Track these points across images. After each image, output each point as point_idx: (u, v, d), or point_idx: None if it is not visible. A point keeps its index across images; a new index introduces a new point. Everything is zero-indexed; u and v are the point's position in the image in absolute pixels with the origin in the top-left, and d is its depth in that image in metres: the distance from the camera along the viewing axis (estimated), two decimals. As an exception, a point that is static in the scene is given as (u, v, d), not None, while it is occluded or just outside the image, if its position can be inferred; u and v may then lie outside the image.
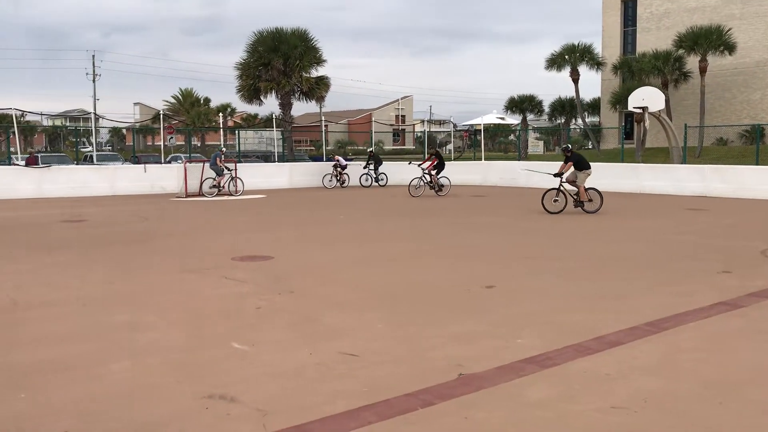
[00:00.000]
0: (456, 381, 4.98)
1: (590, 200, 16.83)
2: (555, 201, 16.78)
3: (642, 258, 10.44)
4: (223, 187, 23.46)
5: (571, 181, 16.80)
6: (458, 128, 58.21)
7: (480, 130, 36.36)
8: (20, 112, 33.97)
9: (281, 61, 32.31)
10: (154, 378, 5.06)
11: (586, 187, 16.82)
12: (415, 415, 4.37)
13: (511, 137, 73.88)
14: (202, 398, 4.63)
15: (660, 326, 6.45)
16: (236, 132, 34.47)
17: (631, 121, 39.93)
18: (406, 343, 5.98)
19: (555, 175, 16.70)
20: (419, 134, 62.65)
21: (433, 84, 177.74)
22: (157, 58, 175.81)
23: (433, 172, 23.21)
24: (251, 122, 56.69)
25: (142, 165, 25.94)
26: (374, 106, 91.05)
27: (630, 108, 26.24)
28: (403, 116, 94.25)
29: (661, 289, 8.14)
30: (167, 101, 62.85)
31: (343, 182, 27.66)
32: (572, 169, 16.74)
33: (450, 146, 63.10)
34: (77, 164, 27.86)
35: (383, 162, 29.25)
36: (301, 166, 29.80)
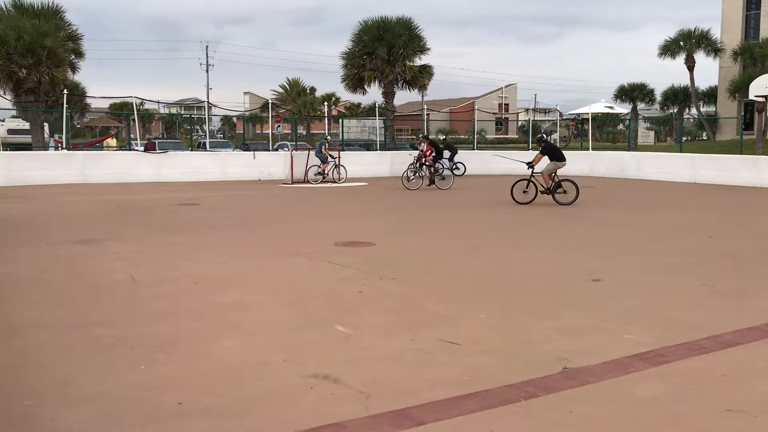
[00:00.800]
0: (560, 374, 4.87)
1: (564, 191, 16.71)
2: (524, 192, 16.70)
3: (763, 255, 9.81)
4: (327, 174, 23.92)
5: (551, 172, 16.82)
6: (564, 117, 56.62)
7: (587, 119, 35.21)
8: (139, 101, 35.92)
9: (385, 49, 32.51)
10: (261, 356, 5.24)
11: (561, 177, 16.94)
12: (517, 406, 4.30)
13: (620, 127, 71.29)
14: (308, 377, 4.75)
15: (783, 328, 6.04)
16: (340, 121, 35.05)
17: (751, 111, 37.51)
18: (509, 333, 5.90)
19: (528, 165, 16.53)
20: (523, 123, 61.46)
21: (538, 72, 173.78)
22: (266, 48, 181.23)
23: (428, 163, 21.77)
24: (355, 111, 57.51)
25: (252, 152, 26.83)
26: (477, 94, 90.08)
27: (751, 96, 24.66)
28: (506, 105, 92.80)
29: (785, 289, 7.63)
30: (275, 91, 64.62)
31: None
32: (546, 160, 16.72)
33: (555, 135, 61.75)
34: (191, 150, 29.18)
35: (458, 151, 28.88)
36: (401, 155, 29.92)
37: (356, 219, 13.97)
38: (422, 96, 38.48)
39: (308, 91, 61.07)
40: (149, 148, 27.08)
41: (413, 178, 21.63)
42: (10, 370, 4.88)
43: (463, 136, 59.57)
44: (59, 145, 27.91)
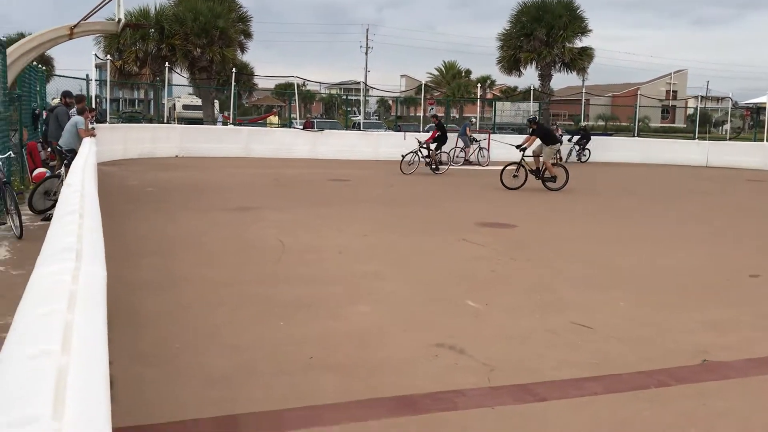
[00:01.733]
0: (699, 366, 4.61)
1: (554, 177, 15.40)
2: (515, 176, 15.48)
3: None
4: (470, 157, 23.76)
5: (537, 156, 15.56)
6: (738, 106, 52.26)
7: (764, 109, 32.29)
8: (301, 81, 37.62)
9: (544, 31, 31.65)
10: (389, 324, 5.40)
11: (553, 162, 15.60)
12: (647, 393, 4.14)
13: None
14: (433, 346, 4.85)
15: None
16: (493, 104, 34.63)
17: None
18: (647, 323, 5.65)
19: (518, 148, 15.47)
20: (692, 112, 57.46)
21: (712, 57, 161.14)
22: (424, 31, 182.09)
23: (432, 146, 19.45)
24: (510, 94, 56.58)
25: (402, 132, 27.24)
26: (643, 80, 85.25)
27: None
28: (674, 92, 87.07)
29: None
30: (430, 73, 65.04)
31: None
32: (538, 142, 15.48)
33: (727, 126, 57.24)
34: (346, 130, 30.16)
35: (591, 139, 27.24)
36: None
37: (500, 202, 13.84)
38: (582, 79, 37.10)
39: (463, 73, 60.90)
40: (308, 126, 28.31)
41: (412, 162, 19.05)
42: (165, 317, 5.39)
43: (624, 124, 56.67)
44: (227, 120, 29.87)
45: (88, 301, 1.73)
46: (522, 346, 4.95)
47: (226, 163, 21.23)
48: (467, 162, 23.73)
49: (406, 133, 27.64)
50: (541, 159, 15.70)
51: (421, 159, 19.33)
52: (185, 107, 42.27)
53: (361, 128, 34.31)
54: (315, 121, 32.32)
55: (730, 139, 33.77)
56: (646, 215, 12.50)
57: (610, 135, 31.97)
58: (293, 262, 7.53)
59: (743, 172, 24.08)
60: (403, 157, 19.25)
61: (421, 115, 31.61)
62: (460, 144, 23.97)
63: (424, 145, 19.46)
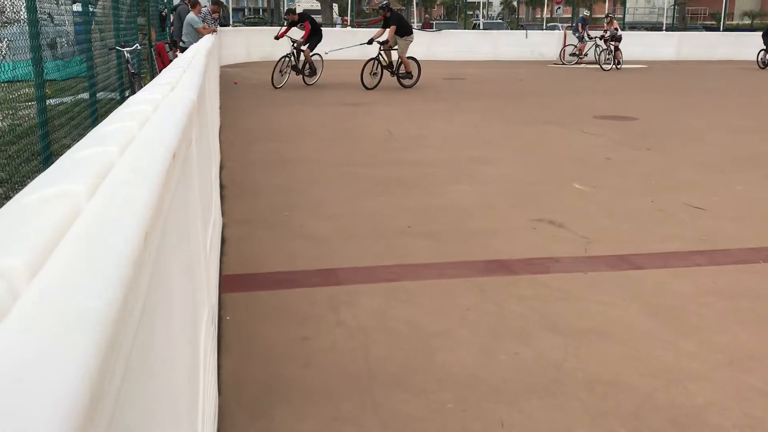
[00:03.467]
0: (818, 246, 4.35)
1: (410, 73, 13.40)
2: (373, 74, 13.34)
3: None
4: (585, 55, 22.46)
5: (389, 49, 13.34)
6: None
7: None
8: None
9: None
10: (492, 200, 5.43)
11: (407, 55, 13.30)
12: (752, 266, 3.98)
13: None
14: (533, 220, 4.85)
15: None
16: (623, 1, 32.39)
17: None
18: (763, 204, 5.34)
19: (369, 43, 13.56)
20: None
21: None
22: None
23: (304, 47, 13.76)
24: (644, -9, 52.41)
25: (524, 30, 26.22)
26: (801, -29, 76.02)
27: None
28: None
29: None
30: (558, -30, 61.37)
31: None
32: (388, 33, 13.23)
33: None
34: (465, 30, 29.36)
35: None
36: (693, 36, 27.01)
37: (621, 96, 13.16)
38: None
39: (593, -31, 56.91)
40: (426, 27, 27.85)
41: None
42: (276, 191, 5.69)
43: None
44: (346, 23, 29.86)
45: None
46: (626, 222, 4.84)
47: (348, 65, 21.39)
48: (581, 61, 22.47)
49: (528, 31, 26.60)
50: (394, 53, 13.52)
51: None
52: (306, 11, 42.48)
53: (481, 28, 33.26)
54: (433, 23, 31.67)
55: None
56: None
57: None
58: (399, 148, 7.63)
59: None
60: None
61: (549, 15, 30.16)
62: (572, 41, 22.75)
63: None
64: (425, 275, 3.81)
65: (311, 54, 13.79)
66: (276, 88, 13.12)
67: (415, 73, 13.80)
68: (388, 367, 2.79)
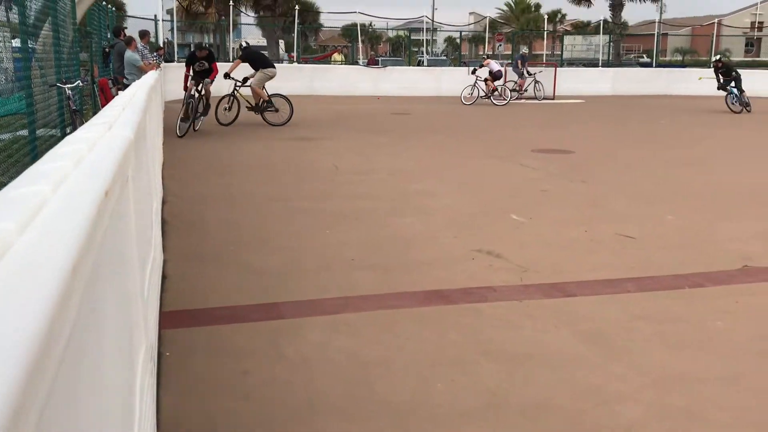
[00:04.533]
0: (738, 271, 4.59)
1: (276, 109, 13.29)
2: (226, 110, 12.98)
3: None
4: (525, 90, 23.16)
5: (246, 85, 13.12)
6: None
7: None
8: (367, 19, 37.37)
9: (616, -43, 30.21)
10: (434, 232, 5.56)
11: (270, 93, 13.32)
12: (678, 292, 4.19)
13: None
14: (473, 251, 4.98)
15: None
16: (561, 38, 33.63)
17: None
18: (692, 233, 5.62)
19: (225, 77, 12.59)
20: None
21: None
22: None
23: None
24: (581, 29, 54.56)
25: (467, 67, 26.86)
26: (726, 11, 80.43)
27: None
28: (760, 23, 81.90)
29: None
30: (499, 9, 63.29)
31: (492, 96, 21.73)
32: (242, 67, 13.20)
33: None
34: (409, 66, 29.93)
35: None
36: (627, 72, 28.13)
37: (560, 130, 13.62)
38: (660, 10, 35.36)
39: (533, 8, 58.96)
40: (372, 63, 28.29)
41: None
42: (224, 224, 5.71)
43: (704, 58, 53.93)
44: (292, 59, 30.08)
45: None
46: (561, 252, 5.03)
47: (297, 99, 21.52)
48: (521, 96, 23.11)
49: (471, 67, 27.26)
50: (254, 86, 13.31)
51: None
52: (252, 48, 42.59)
53: (425, 65, 33.93)
54: (379, 59, 32.21)
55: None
56: (707, 140, 12.11)
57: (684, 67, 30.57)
58: (345, 182, 7.74)
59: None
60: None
61: (488, 52, 30.95)
62: (513, 77, 23.44)
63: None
64: (367, 307, 3.88)
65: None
66: (222, 125, 13.06)
67: (284, 109, 13.45)
68: (329, 398, 2.84)
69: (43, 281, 0.82)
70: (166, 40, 24.96)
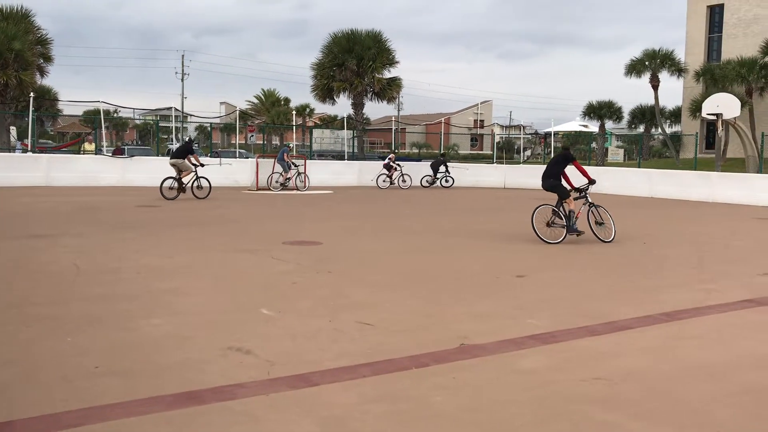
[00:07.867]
0: (456, 349, 5.30)
1: (199, 187, 16.80)
2: (171, 188, 16.66)
3: (690, 258, 10.38)
4: (290, 181, 24.25)
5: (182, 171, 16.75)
6: (531, 134, 58.08)
7: (550, 134, 36.10)
8: (113, 108, 36.11)
9: (355, 61, 33.02)
10: (183, 332, 5.61)
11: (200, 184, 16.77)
12: (407, 372, 4.73)
13: (594, 145, 72.68)
14: (224, 348, 5.13)
15: (676, 317, 6.54)
16: (310, 131, 35.50)
17: (713, 131, 38.58)
18: (423, 317, 6.33)
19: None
20: (500, 139, 62.54)
21: (515, 89, 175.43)
22: (244, 59, 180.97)
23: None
24: (329, 122, 57.97)
25: (219, 159, 27.11)
26: (454, 110, 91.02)
27: (704, 114, 25.53)
28: (482, 121, 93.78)
29: (695, 286, 8.16)
30: (250, 101, 65.02)
31: (400, 182, 27.48)
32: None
33: (528, 152, 63.67)
34: (158, 156, 29.37)
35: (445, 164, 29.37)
36: (370, 164, 30.41)
37: (311, 222, 14.36)
38: (398, 108, 39.05)
39: (282, 102, 61.53)
40: (117, 153, 27.31)
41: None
42: (-58, 339, 5.20)
43: (436, 151, 60.19)
44: (26, 148, 27.96)
45: None
46: (306, 343, 5.37)
47: (25, 192, 19.93)
48: (287, 187, 24.13)
49: (222, 159, 27.57)
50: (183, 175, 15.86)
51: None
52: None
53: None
54: (126, 148, 31.19)
55: (522, 162, 37.22)
56: (444, 230, 13.62)
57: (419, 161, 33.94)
58: (87, 283, 7.44)
59: (531, 192, 26.66)
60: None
61: (240, 142, 31.63)
62: (278, 169, 24.36)
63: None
64: (112, 416, 3.83)
65: None
66: None
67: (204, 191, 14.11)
68: None
69: None
70: None
